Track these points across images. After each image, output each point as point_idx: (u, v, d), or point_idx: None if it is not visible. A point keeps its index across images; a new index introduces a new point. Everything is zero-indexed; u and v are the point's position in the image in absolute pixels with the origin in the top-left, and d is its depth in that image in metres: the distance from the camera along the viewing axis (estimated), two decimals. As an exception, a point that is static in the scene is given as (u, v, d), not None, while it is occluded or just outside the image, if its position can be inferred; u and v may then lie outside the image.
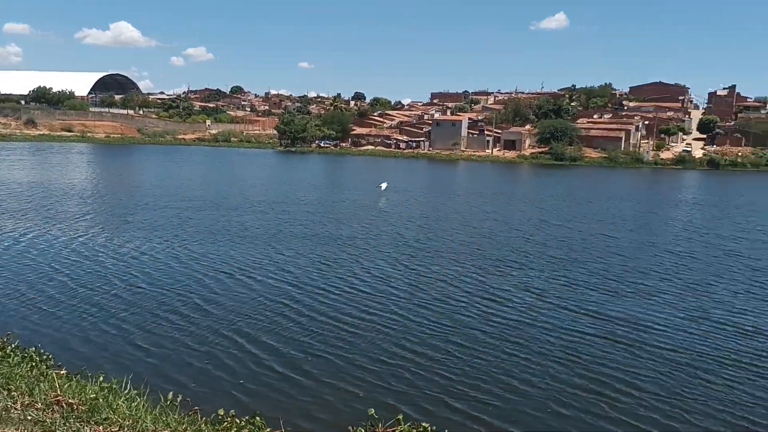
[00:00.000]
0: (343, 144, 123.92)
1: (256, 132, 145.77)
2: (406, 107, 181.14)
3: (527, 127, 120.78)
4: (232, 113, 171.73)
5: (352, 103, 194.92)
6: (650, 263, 27.79)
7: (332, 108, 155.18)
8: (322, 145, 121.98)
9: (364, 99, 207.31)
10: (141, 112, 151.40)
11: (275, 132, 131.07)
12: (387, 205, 45.59)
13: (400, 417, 7.46)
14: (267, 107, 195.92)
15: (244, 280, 22.60)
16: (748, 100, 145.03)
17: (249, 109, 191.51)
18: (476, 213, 43.14)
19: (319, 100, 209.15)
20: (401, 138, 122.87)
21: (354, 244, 30.05)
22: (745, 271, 26.66)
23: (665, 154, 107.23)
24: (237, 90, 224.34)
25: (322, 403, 13.14)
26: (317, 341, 16.55)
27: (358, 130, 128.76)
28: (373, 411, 7.99)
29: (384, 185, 51.98)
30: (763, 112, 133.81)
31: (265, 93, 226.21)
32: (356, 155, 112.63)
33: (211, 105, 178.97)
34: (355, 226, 35.44)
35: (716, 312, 20.25)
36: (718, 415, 13.04)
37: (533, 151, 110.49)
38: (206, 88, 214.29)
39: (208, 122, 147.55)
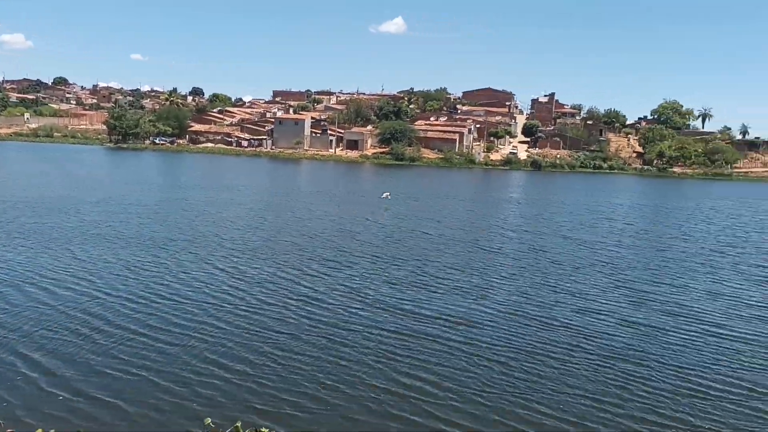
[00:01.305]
0: (181, 141, 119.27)
1: (83, 127, 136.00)
2: (247, 104, 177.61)
3: (369, 127, 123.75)
4: (55, 106, 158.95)
5: (190, 98, 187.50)
6: (466, 260, 29.39)
7: (168, 103, 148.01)
8: (157, 141, 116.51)
9: (203, 95, 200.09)
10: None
11: (104, 127, 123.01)
12: (211, 205, 44.04)
13: (239, 424, 7.47)
14: (95, 101, 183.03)
15: (58, 288, 21.08)
16: (565, 107, 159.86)
17: (75, 103, 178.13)
18: (307, 212, 42.96)
19: (153, 94, 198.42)
20: (243, 136, 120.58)
21: (171, 247, 28.67)
22: (547, 265, 29.04)
23: (494, 156, 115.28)
24: (61, 81, 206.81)
25: (153, 416, 12.75)
26: (139, 353, 15.84)
27: (197, 127, 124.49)
28: (210, 420, 7.93)
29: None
30: (577, 118, 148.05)
31: (93, 85, 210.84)
32: (194, 153, 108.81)
33: (30, 97, 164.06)
34: (175, 228, 34.03)
35: (523, 306, 21.81)
36: (523, 408, 13.89)
37: (375, 151, 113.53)
38: (25, 79, 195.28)
39: (26, 115, 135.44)
